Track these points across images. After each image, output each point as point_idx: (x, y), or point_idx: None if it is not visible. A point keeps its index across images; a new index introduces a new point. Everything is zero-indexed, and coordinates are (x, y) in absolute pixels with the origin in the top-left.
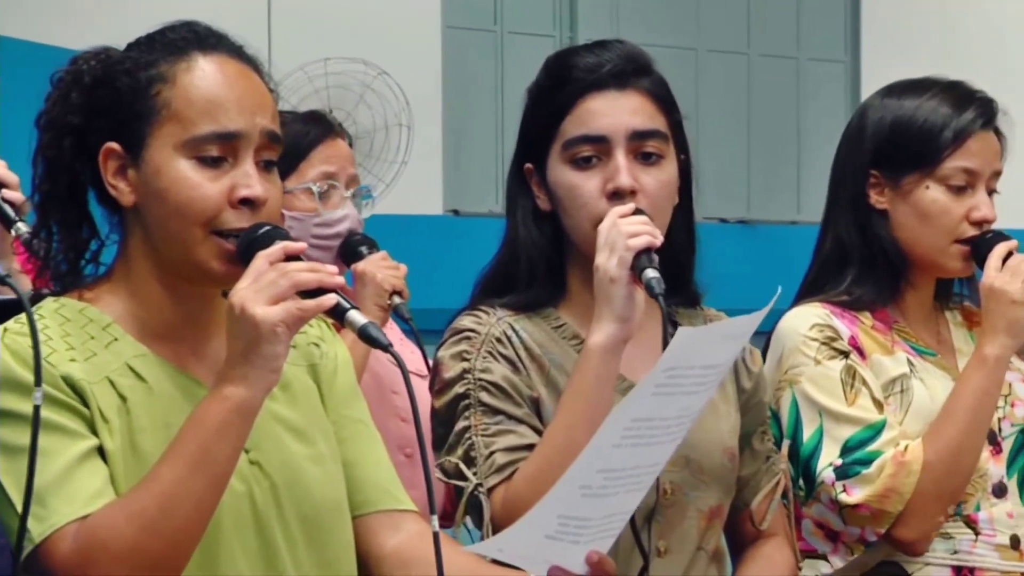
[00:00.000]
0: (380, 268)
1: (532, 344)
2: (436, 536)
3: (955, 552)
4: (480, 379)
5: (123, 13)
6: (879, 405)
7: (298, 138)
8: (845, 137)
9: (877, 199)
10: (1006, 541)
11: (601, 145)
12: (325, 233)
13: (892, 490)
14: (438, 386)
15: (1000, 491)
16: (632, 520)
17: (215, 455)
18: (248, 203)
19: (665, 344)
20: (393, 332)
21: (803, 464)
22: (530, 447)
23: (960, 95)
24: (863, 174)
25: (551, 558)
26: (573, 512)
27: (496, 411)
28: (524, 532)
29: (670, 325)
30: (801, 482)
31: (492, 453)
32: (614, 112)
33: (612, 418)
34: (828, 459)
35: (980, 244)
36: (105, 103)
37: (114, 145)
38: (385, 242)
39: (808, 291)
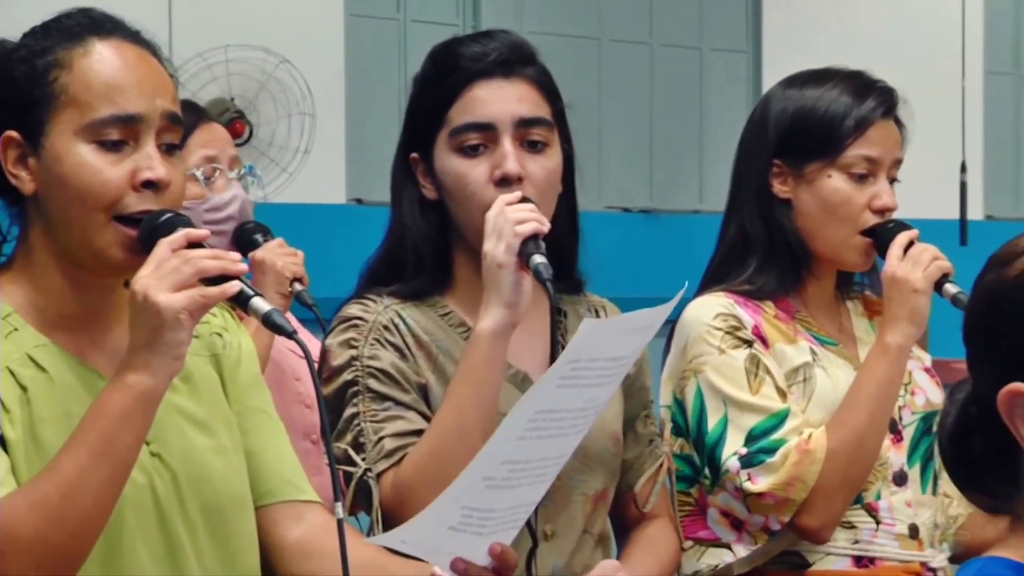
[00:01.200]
0: (279, 255)
1: (419, 332)
2: (340, 523)
3: (856, 542)
4: (368, 366)
5: (19, 3)
6: (783, 394)
7: None
8: (748, 127)
9: (780, 188)
10: (905, 530)
11: (488, 133)
12: (216, 218)
13: (796, 478)
14: (326, 374)
15: (900, 479)
16: None
17: (117, 444)
18: (151, 186)
19: (553, 330)
20: (293, 320)
21: (708, 453)
22: (419, 432)
23: (861, 85)
24: (766, 163)
25: (454, 550)
26: (477, 504)
27: (384, 397)
28: (427, 524)
29: (556, 311)
30: (706, 471)
31: (381, 439)
32: (500, 100)
33: (516, 410)
34: (733, 448)
35: (882, 233)
36: (2, 93)
37: (13, 134)
38: (289, 231)
39: (711, 280)
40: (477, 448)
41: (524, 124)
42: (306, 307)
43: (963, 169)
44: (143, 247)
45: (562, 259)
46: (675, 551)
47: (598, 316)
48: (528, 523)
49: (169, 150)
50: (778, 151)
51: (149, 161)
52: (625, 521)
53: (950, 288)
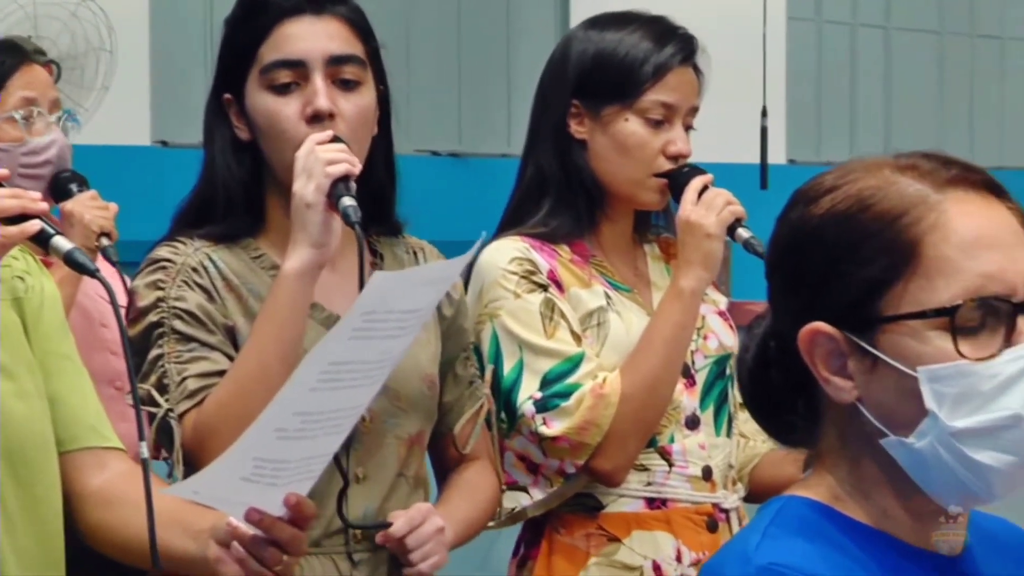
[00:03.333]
0: (88, 208)
1: (229, 274)
2: (145, 462)
3: (649, 484)
4: (174, 307)
5: None
6: (578, 338)
7: None
8: (548, 67)
9: (577, 129)
10: (698, 472)
11: (299, 70)
12: (34, 161)
13: (590, 422)
14: (132, 315)
15: (693, 423)
16: None
17: None
18: None
19: (362, 273)
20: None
21: (504, 397)
22: (223, 373)
23: (661, 30)
24: (564, 104)
25: (248, 500)
26: (269, 455)
27: (189, 339)
28: (219, 474)
29: (369, 254)
30: (503, 415)
31: (184, 379)
32: (311, 37)
33: (308, 361)
34: (528, 392)
35: (677, 177)
36: None
37: None
38: (90, 173)
39: (509, 222)
40: (279, 388)
41: (335, 61)
42: (110, 263)
43: (764, 114)
44: None
45: (379, 202)
46: (494, 493)
47: (416, 258)
48: (339, 466)
49: None
50: (577, 92)
51: None
52: (445, 463)
53: (743, 233)
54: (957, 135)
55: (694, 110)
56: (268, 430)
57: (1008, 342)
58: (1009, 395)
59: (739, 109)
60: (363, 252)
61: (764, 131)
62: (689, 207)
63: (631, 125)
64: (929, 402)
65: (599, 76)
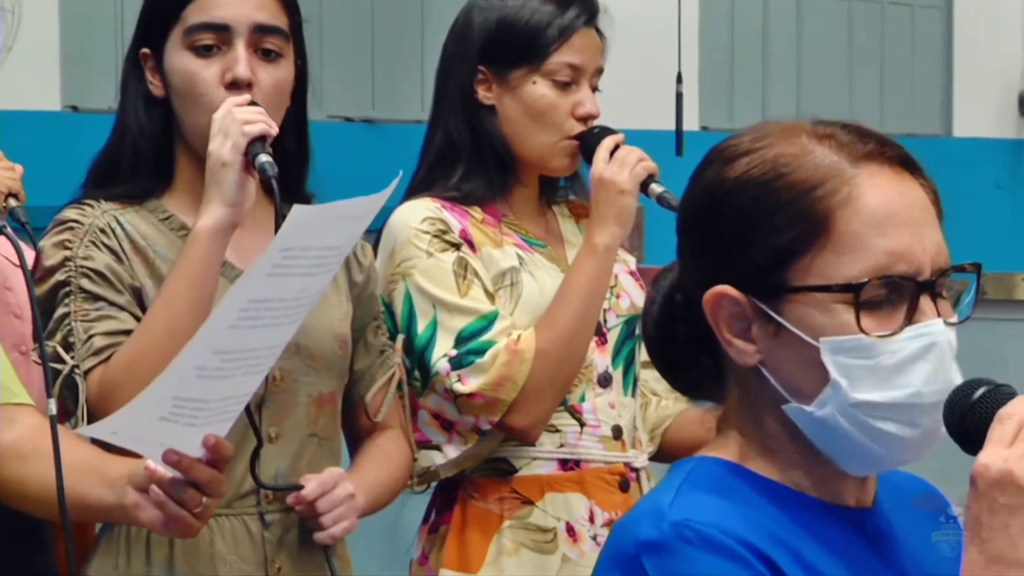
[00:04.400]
0: None
1: (137, 236)
2: (52, 419)
3: (562, 445)
4: (81, 266)
5: None
6: (491, 297)
7: None
8: (452, 35)
9: (485, 95)
10: (609, 432)
11: (223, 34)
12: None
13: (506, 378)
14: (39, 274)
15: (605, 381)
16: (247, 406)
17: None
18: None
19: (278, 227)
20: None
21: (418, 356)
22: (130, 333)
23: None
24: (471, 70)
25: (166, 441)
26: (188, 394)
27: (97, 297)
28: (138, 413)
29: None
30: (416, 373)
31: (91, 336)
32: (238, 4)
33: (228, 299)
34: (443, 350)
35: (588, 138)
36: None
37: None
38: None
39: (418, 188)
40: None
41: (260, 31)
42: (18, 224)
43: (679, 80)
44: None
45: (289, 175)
46: (406, 461)
47: None
48: (253, 423)
49: None
50: (483, 58)
51: None
52: (357, 432)
53: (655, 188)
54: (868, 102)
55: (599, 71)
56: (187, 368)
57: (910, 320)
58: (909, 373)
59: (653, 75)
60: (279, 206)
61: (679, 97)
62: (602, 164)
63: (539, 88)
64: (833, 372)
65: (504, 41)
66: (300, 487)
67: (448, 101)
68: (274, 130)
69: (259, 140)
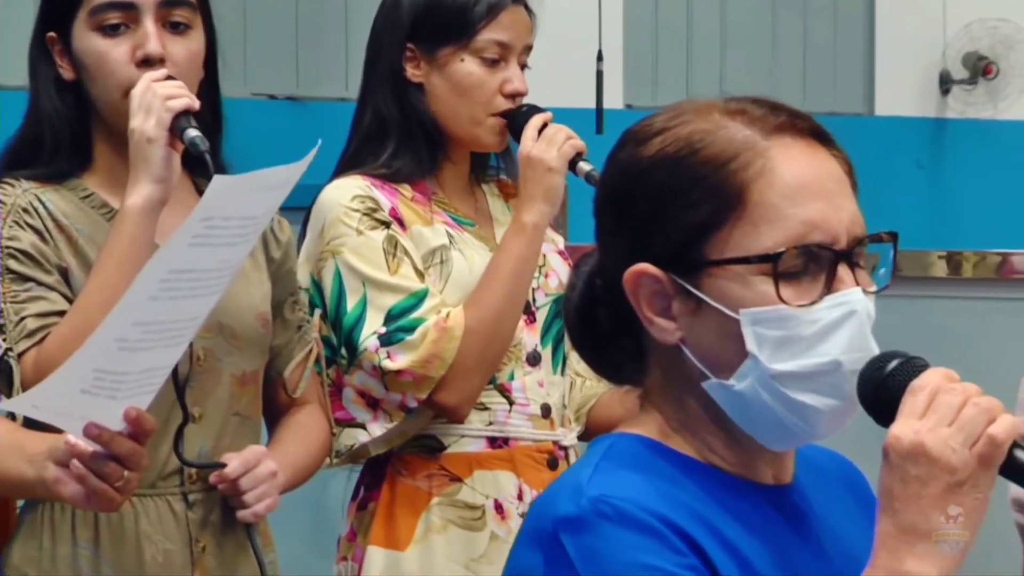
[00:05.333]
0: None
1: (59, 216)
2: None
3: (490, 423)
4: (8, 247)
5: None
6: (420, 275)
7: None
8: (380, 12)
9: (413, 72)
10: (537, 410)
11: (129, 12)
12: None
13: (435, 355)
14: None
15: (534, 359)
16: (176, 382)
17: None
18: None
19: None
20: None
21: (346, 334)
22: (62, 313)
23: None
24: (399, 48)
25: (87, 414)
26: (109, 366)
27: (25, 278)
28: (58, 386)
29: (198, 196)
30: (343, 351)
31: (23, 319)
32: None
33: (148, 269)
34: (372, 328)
35: (516, 116)
36: None
37: None
38: None
39: (348, 165)
40: None
41: (167, 4)
42: None
43: (600, 58)
44: None
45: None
46: (325, 437)
47: None
48: (182, 403)
49: None
50: (411, 36)
51: None
52: (275, 408)
53: (584, 166)
54: (791, 80)
55: (528, 49)
56: (108, 340)
57: (829, 289)
58: (829, 341)
59: (575, 54)
60: (214, 179)
61: (600, 75)
62: (530, 143)
63: (467, 65)
64: (751, 345)
65: (433, 18)
66: (223, 465)
67: (377, 79)
68: (196, 104)
69: (183, 115)
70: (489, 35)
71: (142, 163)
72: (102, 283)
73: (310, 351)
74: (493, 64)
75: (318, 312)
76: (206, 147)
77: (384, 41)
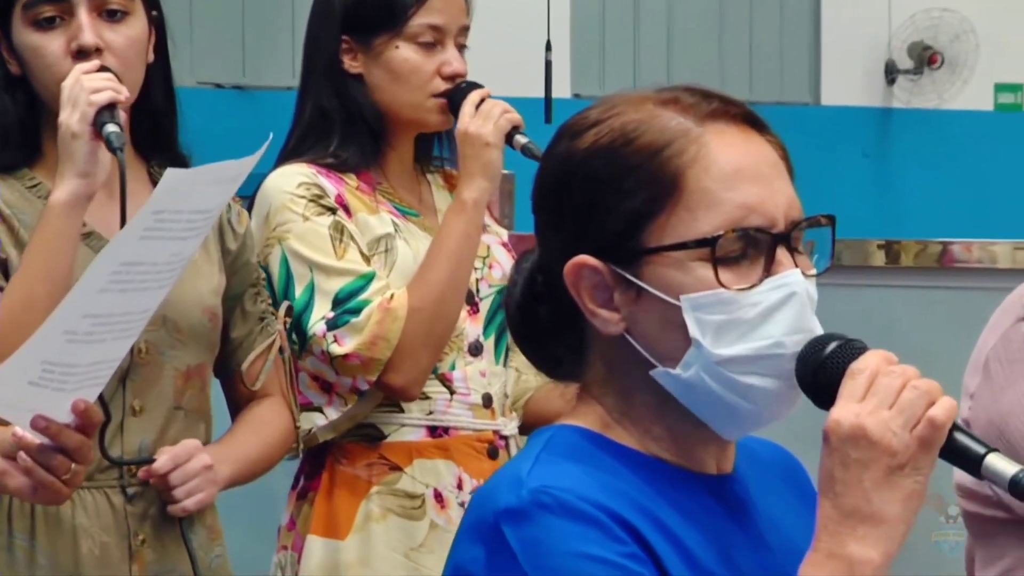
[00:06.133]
0: None
1: (2, 205)
2: None
3: (431, 412)
4: None
5: None
6: (367, 259)
7: None
8: (314, 7)
9: (351, 64)
10: (479, 400)
11: (62, 5)
12: None
13: (380, 337)
14: None
15: (476, 350)
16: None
17: None
18: None
19: (123, 201)
20: None
21: (295, 320)
22: None
23: None
24: (335, 41)
25: (35, 406)
26: (57, 358)
27: None
28: (6, 378)
29: (151, 184)
30: (294, 336)
31: None
32: None
33: (98, 262)
34: (320, 313)
35: (455, 95)
36: None
37: None
38: None
39: (289, 157)
40: (44, 320)
41: None
42: None
43: (548, 48)
44: None
45: (159, 131)
46: (286, 429)
47: None
48: (102, 400)
49: None
50: (345, 28)
51: None
52: (236, 401)
53: (520, 139)
54: (737, 70)
55: (464, 29)
56: (57, 332)
57: (768, 272)
58: (770, 323)
59: (524, 43)
60: (124, 179)
61: (548, 65)
62: (467, 119)
63: (403, 52)
64: (693, 330)
65: (364, 9)
66: (152, 460)
67: (315, 73)
68: (123, 95)
69: (107, 109)
70: (421, 20)
71: (67, 158)
72: (27, 278)
73: (272, 342)
74: (429, 48)
75: (285, 304)
76: (120, 144)
77: (319, 36)
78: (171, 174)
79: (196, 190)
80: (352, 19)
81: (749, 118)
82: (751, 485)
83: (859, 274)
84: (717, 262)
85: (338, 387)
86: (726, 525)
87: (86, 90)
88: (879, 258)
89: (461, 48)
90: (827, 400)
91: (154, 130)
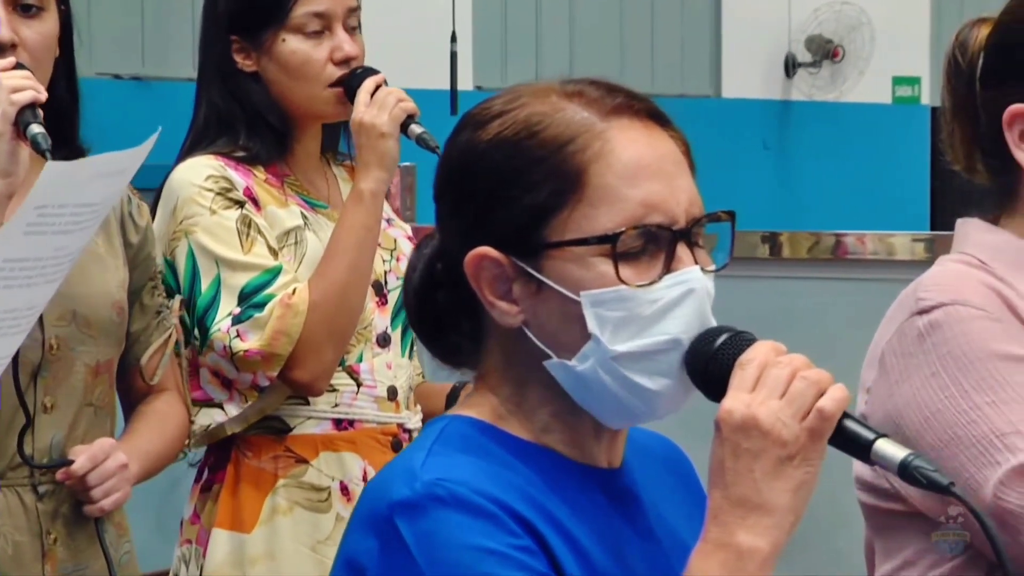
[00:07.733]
0: None
1: None
2: None
3: (336, 405)
4: None
5: None
6: (274, 253)
7: None
8: (203, 10)
9: (244, 63)
10: (384, 392)
11: None
12: None
13: (281, 332)
14: None
15: (384, 342)
16: (16, 380)
17: None
18: None
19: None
20: None
21: (200, 315)
22: None
23: None
24: (224, 42)
25: None
26: None
27: None
28: None
29: None
30: (196, 332)
31: None
32: None
33: None
34: (227, 309)
35: (351, 82)
36: None
37: None
38: None
39: (194, 149)
40: None
41: None
42: None
43: (453, 39)
44: None
45: (62, 124)
46: (183, 423)
47: None
48: (22, 401)
49: None
50: (232, 28)
51: None
52: (132, 395)
53: (415, 128)
54: (639, 63)
55: (352, 11)
56: None
57: (668, 269)
58: (668, 320)
59: (428, 35)
60: (44, 167)
61: (454, 56)
62: (362, 108)
63: (290, 44)
64: (592, 326)
65: (247, 7)
66: (70, 462)
67: (210, 75)
68: (43, 95)
69: (29, 108)
70: (304, 8)
71: None
72: None
73: (169, 336)
74: (317, 36)
75: (179, 297)
76: (48, 145)
77: (210, 38)
78: (52, 167)
79: (80, 184)
80: (236, 19)
81: (653, 113)
82: (640, 478)
83: (752, 265)
84: (618, 258)
85: (238, 383)
86: (615, 519)
87: (5, 88)
88: (770, 250)
89: (353, 31)
90: (718, 392)
91: (57, 123)
